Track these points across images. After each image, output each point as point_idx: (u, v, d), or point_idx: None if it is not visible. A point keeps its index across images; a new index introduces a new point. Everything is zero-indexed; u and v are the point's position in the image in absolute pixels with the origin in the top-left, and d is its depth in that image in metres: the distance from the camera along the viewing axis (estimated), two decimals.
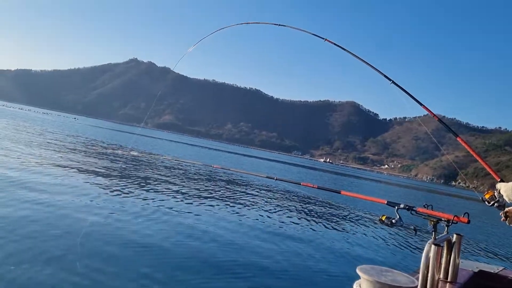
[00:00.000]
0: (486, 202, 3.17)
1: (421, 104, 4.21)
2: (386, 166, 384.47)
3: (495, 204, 3.08)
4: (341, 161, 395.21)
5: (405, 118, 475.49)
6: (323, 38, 5.48)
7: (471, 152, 3.69)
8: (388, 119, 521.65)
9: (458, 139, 3.76)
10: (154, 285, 5.78)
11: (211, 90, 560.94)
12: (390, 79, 4.45)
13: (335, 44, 5.25)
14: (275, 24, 6.48)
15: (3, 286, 4.84)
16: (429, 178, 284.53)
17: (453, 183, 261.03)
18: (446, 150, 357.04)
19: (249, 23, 7.09)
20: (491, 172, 3.36)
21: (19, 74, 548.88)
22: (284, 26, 6.26)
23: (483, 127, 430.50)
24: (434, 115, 4.05)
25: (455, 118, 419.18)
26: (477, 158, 3.56)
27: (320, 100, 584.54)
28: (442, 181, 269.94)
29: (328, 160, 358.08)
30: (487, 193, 3.20)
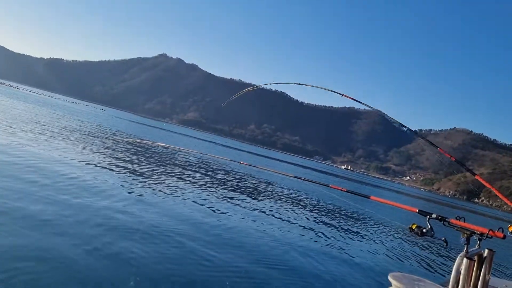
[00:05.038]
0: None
1: (437, 147, 5.36)
2: (408, 178, 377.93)
3: None
4: (363, 170, 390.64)
5: (430, 130, 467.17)
6: (340, 94, 6.27)
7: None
8: (413, 130, 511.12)
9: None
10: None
11: (237, 90, 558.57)
12: (423, 137, 5.35)
13: (352, 98, 6.12)
14: (296, 84, 7.24)
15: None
16: (452, 193, 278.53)
17: (476, 200, 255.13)
18: (471, 166, 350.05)
19: (270, 83, 8.38)
20: None
21: (51, 63, 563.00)
22: (303, 85, 7.05)
23: (511, 144, 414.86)
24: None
25: (482, 134, 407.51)
26: None
27: (345, 107, 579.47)
28: (465, 197, 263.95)
29: (349, 167, 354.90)
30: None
